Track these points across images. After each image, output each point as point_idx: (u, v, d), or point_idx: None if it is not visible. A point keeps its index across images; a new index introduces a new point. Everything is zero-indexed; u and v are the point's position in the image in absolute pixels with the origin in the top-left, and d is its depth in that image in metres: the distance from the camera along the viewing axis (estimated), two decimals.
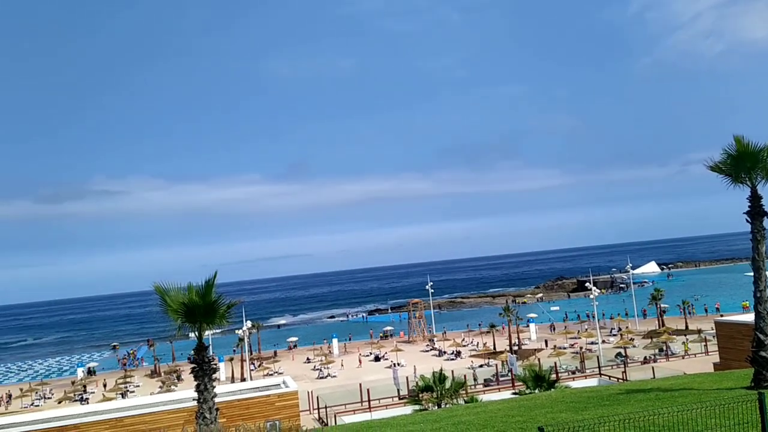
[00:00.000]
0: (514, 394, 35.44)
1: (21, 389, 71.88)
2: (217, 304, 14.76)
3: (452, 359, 69.60)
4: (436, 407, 29.29)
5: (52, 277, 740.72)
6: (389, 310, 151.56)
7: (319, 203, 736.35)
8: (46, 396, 68.93)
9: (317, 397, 43.79)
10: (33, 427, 26.33)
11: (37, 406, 63.87)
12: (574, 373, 51.82)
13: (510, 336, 74.83)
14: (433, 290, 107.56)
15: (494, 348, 74.00)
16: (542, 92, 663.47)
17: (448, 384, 31.18)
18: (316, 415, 41.90)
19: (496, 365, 57.77)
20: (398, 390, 47.13)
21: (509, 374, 51.22)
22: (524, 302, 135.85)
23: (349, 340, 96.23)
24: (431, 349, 79.14)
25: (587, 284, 78.12)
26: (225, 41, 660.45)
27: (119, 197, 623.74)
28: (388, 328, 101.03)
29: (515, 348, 70.74)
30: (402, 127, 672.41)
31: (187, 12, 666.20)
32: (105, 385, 71.15)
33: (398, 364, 65.90)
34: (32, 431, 25.89)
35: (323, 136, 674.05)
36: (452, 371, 40.33)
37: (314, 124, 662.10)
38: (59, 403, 63.49)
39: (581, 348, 65.75)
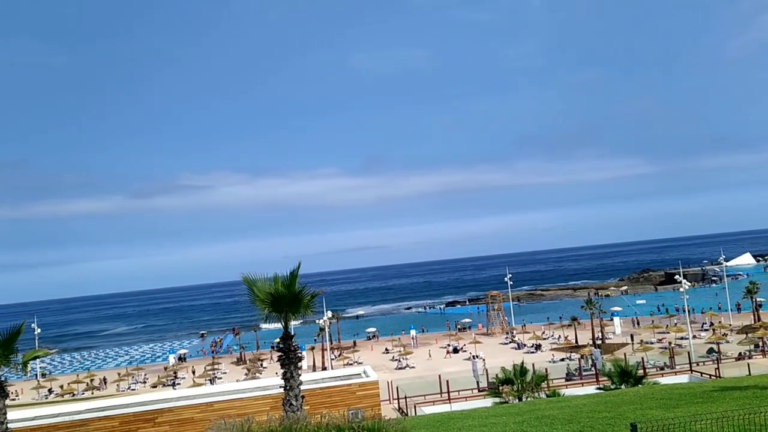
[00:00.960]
0: (599, 389, 34.49)
1: (119, 374, 76.47)
2: (301, 294, 15.14)
3: (532, 352, 68.45)
4: (517, 400, 28.92)
5: (143, 269, 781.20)
6: (467, 302, 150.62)
7: (395, 195, 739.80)
8: (141, 381, 72.93)
9: (396, 388, 44.14)
10: (131, 410, 27.95)
11: (133, 389, 67.70)
12: (662, 369, 49.78)
13: (593, 330, 72.73)
14: (511, 282, 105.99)
15: (576, 342, 72.18)
16: (625, 77, 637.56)
17: (528, 377, 30.73)
18: (396, 405, 42.28)
19: (579, 359, 56.34)
20: (477, 382, 46.85)
21: (593, 369, 49.84)
22: (607, 295, 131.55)
23: (423, 331, 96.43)
24: (510, 342, 78.14)
25: (676, 277, 74.61)
26: (303, 36, 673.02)
27: (204, 191, 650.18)
28: (466, 320, 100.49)
29: (598, 342, 68.70)
30: (477, 118, 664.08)
31: (269, 10, 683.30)
32: (194, 372, 74.52)
33: (477, 356, 65.47)
34: (131, 413, 27.50)
35: (399, 129, 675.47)
36: (533, 364, 39.69)
37: (390, 117, 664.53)
38: (153, 387, 67.12)
39: (670, 343, 63.08)
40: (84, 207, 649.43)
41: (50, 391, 70.14)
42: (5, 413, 16.54)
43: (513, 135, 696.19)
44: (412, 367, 65.86)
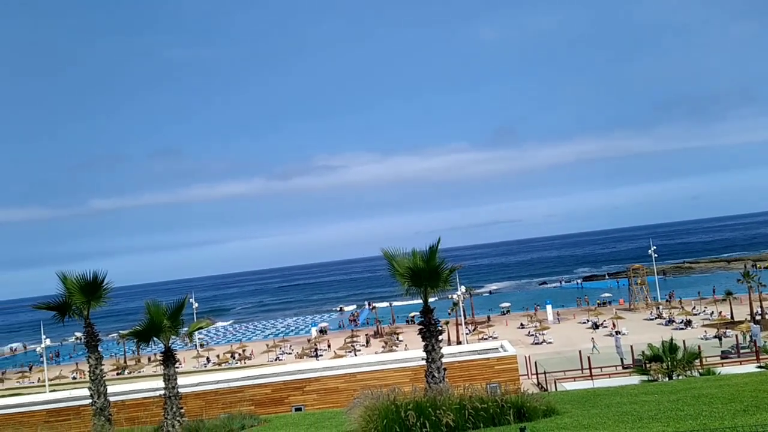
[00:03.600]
0: (760, 368, 31.80)
1: (267, 345, 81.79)
2: (440, 268, 15.25)
3: (681, 328, 64.35)
4: (667, 378, 27.37)
5: (284, 246, 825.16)
6: (606, 276, 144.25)
7: (526, 168, 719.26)
8: (287, 352, 77.51)
9: (535, 363, 43.47)
10: (281, 378, 29.84)
11: (281, 360, 72.14)
12: None
13: (751, 304, 66.92)
14: (656, 255, 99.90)
15: (732, 317, 66.81)
16: None
17: (679, 354, 28.93)
18: (535, 380, 41.65)
19: (736, 336, 52.18)
20: (622, 359, 44.92)
21: (751, 346, 45.98)
22: (767, 267, 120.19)
23: (563, 306, 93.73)
24: (656, 318, 73.95)
25: None
26: (428, 10, 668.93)
27: (338, 171, 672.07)
28: (606, 294, 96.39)
29: (758, 318, 63.14)
30: (614, 82, 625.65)
31: None
32: (329, 345, 77.90)
33: (619, 333, 62.69)
34: (281, 382, 29.36)
35: (530, 100, 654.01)
36: (683, 341, 37.32)
37: (520, 87, 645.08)
38: (299, 358, 71.14)
39: None
40: (231, 189, 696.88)
41: (208, 360, 76.56)
42: (176, 378, 18.28)
43: (654, 98, 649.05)
44: (549, 343, 64.46)
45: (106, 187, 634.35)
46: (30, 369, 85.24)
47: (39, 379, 73.12)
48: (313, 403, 28.28)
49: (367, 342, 77.65)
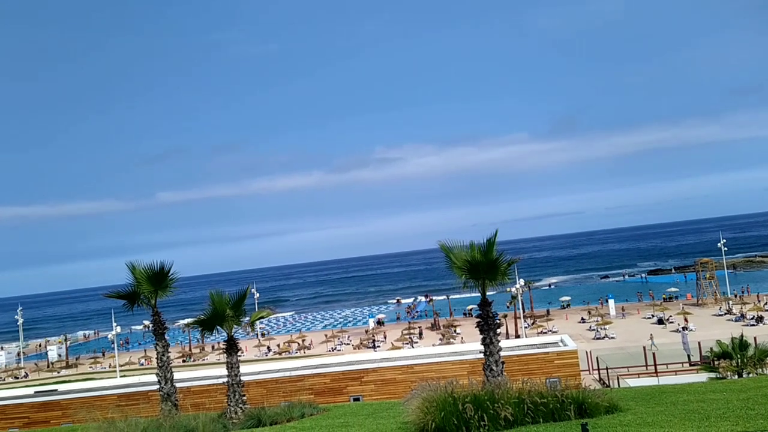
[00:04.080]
0: None
1: (325, 335, 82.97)
2: (498, 261, 15.09)
3: (753, 325, 61.64)
4: (737, 376, 26.32)
5: (342, 238, 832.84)
6: (672, 270, 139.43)
7: (587, 159, 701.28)
8: (345, 342, 78.40)
9: (596, 358, 42.53)
10: (340, 368, 30.25)
11: (339, 350, 73.05)
12: None
13: None
14: (726, 248, 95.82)
15: None
16: None
17: (750, 351, 27.74)
18: (596, 376, 40.77)
19: None
20: (688, 356, 43.41)
21: None
22: None
23: (626, 301, 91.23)
24: (725, 313, 71.04)
25: None
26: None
27: (396, 163, 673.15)
28: (672, 289, 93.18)
29: None
30: (682, 69, 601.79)
31: None
32: (386, 337, 78.29)
33: (686, 328, 60.57)
34: (339, 372, 29.77)
35: (591, 89, 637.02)
36: (754, 338, 35.74)
37: (581, 76, 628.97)
38: (356, 349, 71.87)
39: None
40: (291, 182, 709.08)
41: (269, 349, 78.30)
42: (238, 366, 18.81)
43: (723, 85, 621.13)
44: (612, 338, 62.88)
45: (172, 181, 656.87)
46: (103, 354, 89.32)
47: (110, 364, 76.54)
48: (370, 393, 28.58)
49: (420, 334, 77.67)
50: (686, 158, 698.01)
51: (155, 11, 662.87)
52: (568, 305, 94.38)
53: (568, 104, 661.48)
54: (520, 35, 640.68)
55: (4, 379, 78.38)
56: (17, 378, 78.24)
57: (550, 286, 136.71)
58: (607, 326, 66.64)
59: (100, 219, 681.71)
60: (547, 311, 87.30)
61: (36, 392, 36.07)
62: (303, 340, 79.05)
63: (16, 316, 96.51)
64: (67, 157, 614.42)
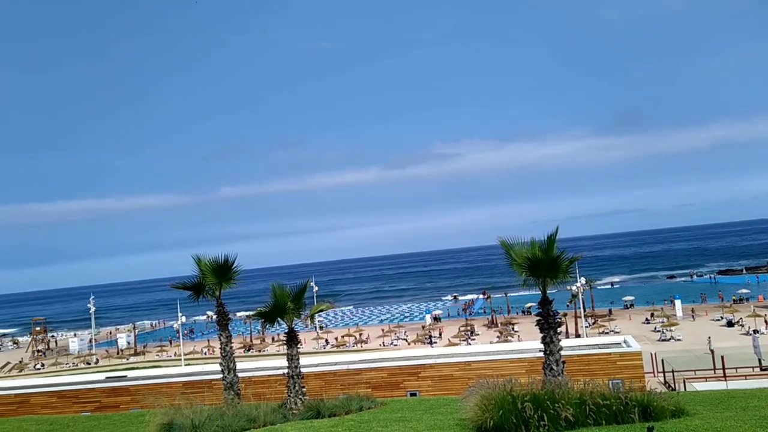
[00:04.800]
0: None
1: (382, 330, 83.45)
2: (560, 259, 14.83)
3: None
4: None
5: (398, 234, 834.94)
6: (743, 271, 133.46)
7: (653, 154, 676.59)
8: (402, 337, 78.65)
9: (661, 360, 41.21)
10: (397, 363, 30.40)
11: (395, 345, 73.36)
12: None
13: None
14: None
15: None
16: None
17: None
18: (661, 379, 39.52)
19: None
20: (760, 360, 41.53)
21: None
22: None
23: (694, 302, 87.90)
24: None
25: None
26: None
27: (454, 159, 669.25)
28: (743, 290, 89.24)
29: None
30: (752, 62, 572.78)
31: None
32: (442, 333, 78.03)
33: (757, 331, 57.92)
34: (396, 367, 29.92)
35: (657, 82, 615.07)
36: None
37: (646, 69, 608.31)
38: (412, 344, 71.98)
39: None
40: (349, 178, 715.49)
41: (327, 341, 79.39)
42: (298, 358, 19.16)
43: None
44: (678, 340, 60.80)
45: (234, 176, 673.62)
46: (170, 343, 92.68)
47: (175, 353, 79.28)
48: (427, 389, 28.59)
49: (472, 332, 77.03)
50: (758, 154, 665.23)
51: (217, 10, 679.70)
52: (632, 305, 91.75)
53: (631, 99, 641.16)
54: (582, 26, 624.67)
55: (77, 365, 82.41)
56: (89, 364, 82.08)
57: (612, 285, 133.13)
58: (672, 328, 64.44)
59: (166, 213, 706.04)
60: (609, 311, 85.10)
61: (107, 378, 37.76)
62: (360, 334, 79.76)
63: (88, 305, 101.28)
64: (136, 152, 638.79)
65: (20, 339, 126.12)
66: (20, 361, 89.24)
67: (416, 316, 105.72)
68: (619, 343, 30.86)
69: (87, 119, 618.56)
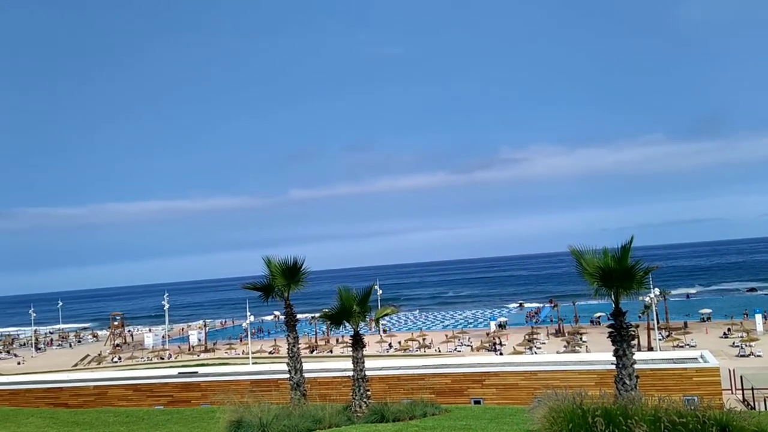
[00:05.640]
0: None
1: (446, 335, 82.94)
2: (634, 269, 14.36)
3: None
4: None
5: (463, 239, 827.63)
6: None
7: (735, 161, 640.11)
8: (465, 343, 77.95)
9: (740, 377, 39.19)
10: (461, 370, 30.15)
11: (459, 351, 72.77)
12: None
13: None
14: None
15: None
16: None
17: None
18: (740, 397, 37.57)
19: None
20: None
21: None
22: None
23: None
24: None
25: None
26: None
27: (521, 164, 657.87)
28: None
29: None
30: None
31: None
32: (502, 341, 76.75)
33: None
34: (461, 373, 29.68)
35: (740, 85, 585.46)
36: None
37: (727, 72, 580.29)
38: (476, 351, 71.24)
39: None
40: (415, 182, 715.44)
41: (390, 345, 79.60)
42: (363, 361, 19.32)
43: None
44: (758, 356, 57.68)
45: (305, 179, 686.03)
46: (240, 340, 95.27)
47: (243, 351, 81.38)
48: (492, 397, 28.20)
49: (537, 341, 75.43)
50: None
51: (289, 17, 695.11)
52: (708, 318, 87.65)
53: (711, 103, 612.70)
54: (662, 27, 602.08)
55: (151, 359, 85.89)
56: (162, 359, 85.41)
57: (687, 296, 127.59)
58: (752, 343, 61.21)
59: (238, 214, 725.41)
60: (685, 323, 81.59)
61: (179, 373, 39.16)
62: (423, 339, 79.56)
63: (162, 302, 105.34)
64: (210, 155, 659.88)
65: (99, 333, 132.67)
66: (99, 354, 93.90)
67: (480, 323, 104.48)
68: (696, 358, 29.55)
69: (162, 122, 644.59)
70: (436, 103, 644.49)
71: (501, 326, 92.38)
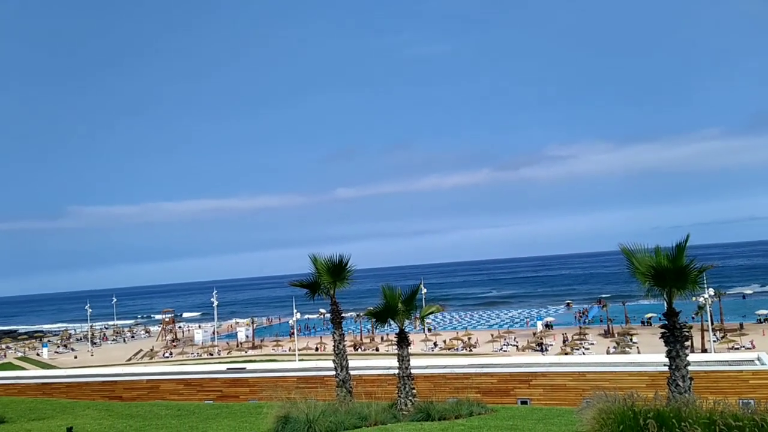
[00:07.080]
0: None
1: (492, 335, 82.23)
2: (688, 268, 13.93)
3: None
4: None
5: (509, 237, 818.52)
6: None
7: None
8: (511, 343, 77.10)
9: None
10: (508, 370, 29.85)
11: (505, 351, 72.02)
12: None
13: None
14: None
15: None
16: None
17: None
18: None
19: None
20: None
21: None
22: None
23: None
24: None
25: None
26: None
27: (568, 161, 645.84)
28: None
29: None
30: None
31: None
32: (548, 341, 75.50)
33: None
34: (507, 373, 29.37)
35: None
36: None
37: None
38: (523, 351, 70.41)
39: None
40: (459, 180, 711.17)
41: (435, 344, 79.38)
42: (409, 360, 19.31)
43: None
44: None
45: (349, 177, 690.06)
46: (290, 336, 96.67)
47: (289, 348, 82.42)
48: (539, 398, 27.82)
49: (592, 341, 73.93)
50: None
51: (330, 17, 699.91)
52: (766, 319, 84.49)
53: None
54: (719, 18, 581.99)
55: (200, 355, 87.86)
56: (211, 354, 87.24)
57: (743, 296, 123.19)
58: None
59: (284, 212, 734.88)
60: (741, 325, 78.82)
61: (228, 369, 40.01)
62: (469, 338, 79.04)
63: (211, 299, 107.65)
64: (258, 153, 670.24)
65: (151, 328, 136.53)
66: (151, 349, 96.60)
67: (526, 323, 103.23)
68: (752, 360, 28.52)
69: (213, 124, 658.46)
70: (480, 100, 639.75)
71: (548, 326, 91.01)
